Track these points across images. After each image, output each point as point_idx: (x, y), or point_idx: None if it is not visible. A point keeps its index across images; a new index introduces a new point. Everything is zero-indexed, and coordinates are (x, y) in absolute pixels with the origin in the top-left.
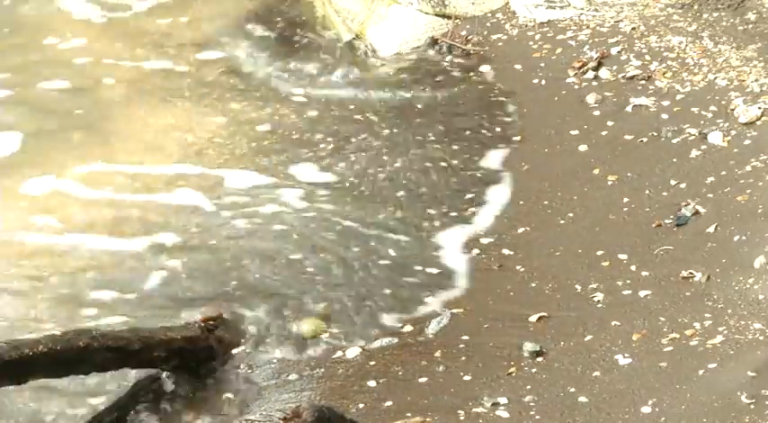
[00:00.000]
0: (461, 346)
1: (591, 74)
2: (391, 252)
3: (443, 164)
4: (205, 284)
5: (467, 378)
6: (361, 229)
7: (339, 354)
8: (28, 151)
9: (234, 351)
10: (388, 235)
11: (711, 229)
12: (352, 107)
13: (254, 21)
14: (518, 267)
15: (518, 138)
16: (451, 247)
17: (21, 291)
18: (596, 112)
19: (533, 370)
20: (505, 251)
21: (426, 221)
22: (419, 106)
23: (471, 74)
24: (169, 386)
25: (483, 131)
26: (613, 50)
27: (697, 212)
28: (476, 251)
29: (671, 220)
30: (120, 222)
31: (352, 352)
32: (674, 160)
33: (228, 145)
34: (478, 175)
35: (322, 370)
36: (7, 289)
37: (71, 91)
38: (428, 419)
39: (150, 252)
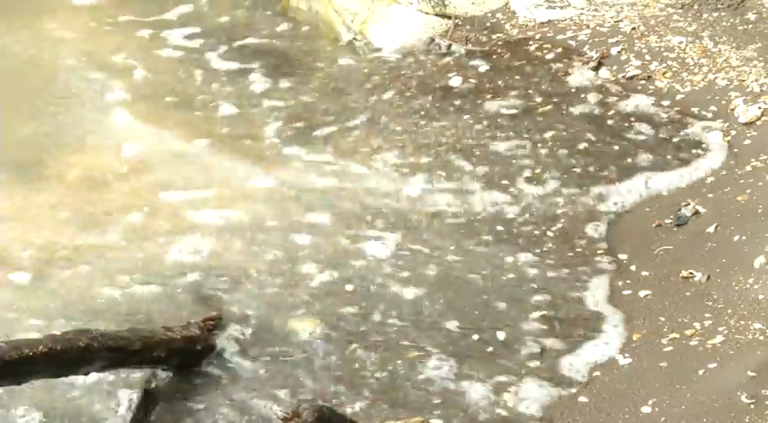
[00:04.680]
0: (463, 344)
1: (591, 74)
2: None
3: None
4: None
5: (467, 377)
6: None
7: (339, 351)
8: None
9: (233, 350)
10: None
11: (711, 229)
12: None
13: None
14: None
15: (518, 137)
16: None
17: None
18: (596, 112)
19: (534, 369)
20: None
21: None
22: (417, 103)
23: (470, 74)
24: (168, 386)
25: (481, 131)
26: (613, 50)
27: (697, 212)
28: None
29: (671, 220)
30: None
31: (352, 349)
32: (675, 160)
33: None
34: None
35: (321, 368)
36: None
37: None
38: (428, 419)
39: None
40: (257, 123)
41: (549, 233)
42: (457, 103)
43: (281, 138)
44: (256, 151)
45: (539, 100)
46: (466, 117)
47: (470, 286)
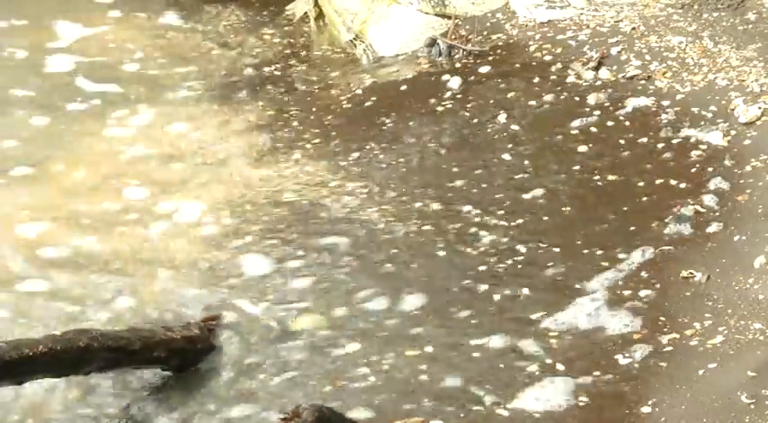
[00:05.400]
0: (461, 344)
1: (591, 74)
2: None
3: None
4: None
5: (468, 377)
6: None
7: (339, 351)
8: None
9: (233, 350)
10: None
11: (711, 229)
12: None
13: None
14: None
15: (517, 138)
16: None
17: None
18: (596, 112)
19: (534, 369)
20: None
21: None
22: (417, 105)
23: (471, 74)
24: (168, 385)
25: (481, 132)
26: (613, 50)
27: (697, 212)
28: None
29: (671, 220)
30: None
31: (352, 347)
32: (674, 160)
33: None
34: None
35: (322, 367)
36: None
37: None
38: (428, 419)
39: None
40: None
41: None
42: (454, 105)
43: None
44: None
45: (536, 102)
46: (462, 121)
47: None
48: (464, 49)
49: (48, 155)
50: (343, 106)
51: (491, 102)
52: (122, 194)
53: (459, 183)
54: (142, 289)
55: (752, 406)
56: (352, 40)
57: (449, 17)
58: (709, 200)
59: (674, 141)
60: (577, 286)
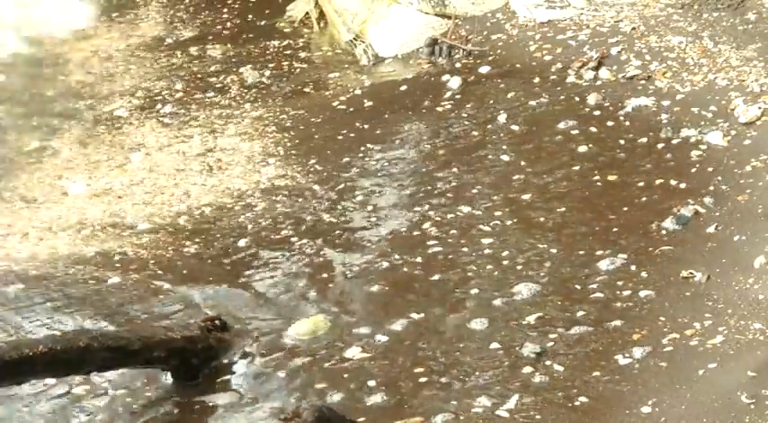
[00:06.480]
0: (461, 346)
1: (591, 74)
2: None
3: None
4: None
5: (467, 379)
6: None
7: (339, 353)
8: None
9: (233, 350)
10: None
11: (711, 229)
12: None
13: None
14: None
15: (517, 138)
16: None
17: None
18: (596, 112)
19: (534, 370)
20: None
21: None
22: (416, 105)
23: (470, 74)
24: (168, 386)
25: (481, 132)
26: (613, 50)
27: (697, 212)
28: None
29: (671, 220)
30: None
31: (352, 351)
32: (674, 160)
33: None
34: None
35: (322, 369)
36: None
37: None
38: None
39: None
40: None
41: None
42: (453, 105)
43: None
44: None
45: (536, 102)
46: (462, 122)
47: None
48: (464, 49)
49: None
50: (341, 107)
51: (491, 102)
52: None
53: (457, 183)
54: None
55: (752, 406)
56: (352, 40)
57: (449, 17)
58: (709, 200)
59: (674, 141)
60: (577, 286)
